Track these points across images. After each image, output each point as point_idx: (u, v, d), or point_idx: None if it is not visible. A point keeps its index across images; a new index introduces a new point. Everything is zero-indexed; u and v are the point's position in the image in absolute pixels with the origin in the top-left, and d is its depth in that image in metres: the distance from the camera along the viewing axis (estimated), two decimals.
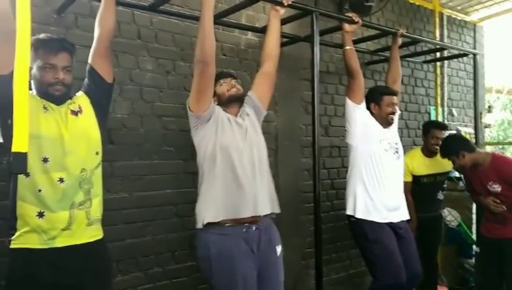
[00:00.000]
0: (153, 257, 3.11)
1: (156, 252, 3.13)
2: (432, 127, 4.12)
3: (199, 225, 2.48)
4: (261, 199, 2.53)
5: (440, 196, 4.13)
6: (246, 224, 2.46)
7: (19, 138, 1.59)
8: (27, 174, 1.93)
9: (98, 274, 2.15)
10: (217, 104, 2.61)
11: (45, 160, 1.99)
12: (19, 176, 1.97)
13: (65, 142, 2.05)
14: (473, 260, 4.18)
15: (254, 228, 2.49)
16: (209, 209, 2.45)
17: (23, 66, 1.61)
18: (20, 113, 1.60)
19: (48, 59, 2.06)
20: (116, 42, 2.89)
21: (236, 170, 2.46)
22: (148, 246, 3.09)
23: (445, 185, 4.20)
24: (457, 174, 4.40)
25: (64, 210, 2.01)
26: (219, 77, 2.65)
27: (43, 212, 1.97)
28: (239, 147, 2.51)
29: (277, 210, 2.64)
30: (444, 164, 3.94)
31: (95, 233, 2.16)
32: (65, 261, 2.01)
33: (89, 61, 2.24)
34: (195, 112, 2.50)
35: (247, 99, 2.75)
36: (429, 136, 4.05)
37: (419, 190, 4.00)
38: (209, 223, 2.42)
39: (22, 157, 1.61)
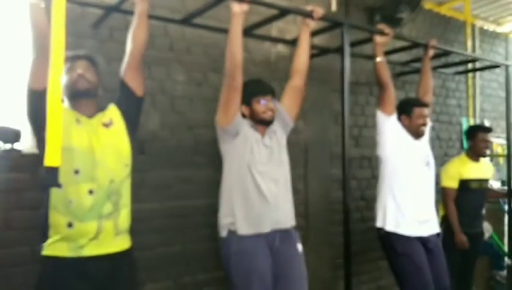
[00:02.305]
0: (183, 267, 3.15)
1: (185, 261, 3.16)
2: (479, 130, 4.07)
3: (223, 234, 2.62)
4: (282, 215, 2.64)
5: (483, 210, 4.05)
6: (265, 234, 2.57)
7: (52, 152, 1.65)
8: (59, 186, 1.96)
9: (124, 282, 2.18)
10: (249, 115, 2.67)
11: (76, 172, 2.03)
12: None
13: (95, 154, 2.09)
14: (505, 272, 4.10)
15: (273, 236, 2.59)
16: (232, 221, 2.56)
17: (56, 81, 1.67)
18: (53, 128, 1.66)
19: (70, 65, 2.13)
20: (148, 55, 2.94)
21: (260, 188, 2.55)
22: (178, 255, 3.12)
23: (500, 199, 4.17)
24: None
25: (92, 220, 2.04)
26: (258, 90, 2.68)
27: (72, 222, 2.01)
28: (264, 167, 2.59)
29: (293, 223, 2.74)
30: (487, 170, 3.92)
31: (123, 242, 2.18)
32: (92, 269, 2.04)
33: (121, 74, 2.28)
34: (221, 126, 2.58)
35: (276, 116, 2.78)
36: (477, 140, 4.00)
37: (466, 200, 3.92)
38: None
39: (54, 171, 1.67)
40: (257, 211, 2.54)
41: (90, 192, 2.05)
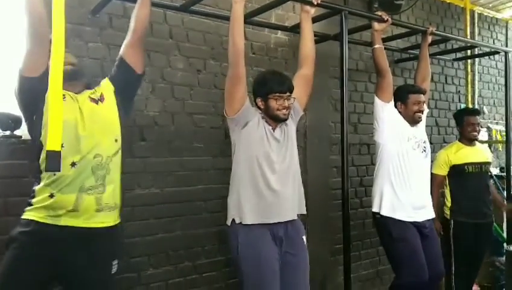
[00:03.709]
0: (183, 252, 3.17)
1: (186, 246, 3.19)
2: (464, 114, 4.05)
3: (228, 222, 2.60)
4: (290, 206, 2.63)
5: (489, 195, 4.00)
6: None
7: (53, 137, 1.65)
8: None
9: (98, 261, 2.15)
10: (263, 109, 2.62)
11: (61, 145, 1.98)
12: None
13: (79, 127, 2.07)
14: (504, 258, 4.13)
15: (279, 227, 2.58)
16: (240, 211, 2.55)
17: (57, 68, 1.67)
18: (55, 113, 1.66)
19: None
20: (148, 42, 2.94)
21: (268, 179, 2.54)
22: (178, 241, 3.15)
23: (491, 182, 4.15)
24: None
25: (71, 193, 2.03)
26: (278, 87, 2.59)
27: (54, 193, 2.02)
28: (273, 159, 2.57)
29: (303, 211, 2.73)
30: (486, 153, 3.92)
31: (105, 219, 2.14)
32: (65, 239, 2.04)
33: (120, 53, 2.28)
34: (229, 115, 2.56)
35: None
36: (464, 125, 3.98)
37: (465, 185, 3.91)
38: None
39: (56, 155, 1.68)
40: (264, 203, 2.53)
41: (73, 164, 2.03)
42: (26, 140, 2.61)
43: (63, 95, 2.06)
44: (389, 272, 4.37)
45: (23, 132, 2.66)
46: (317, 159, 3.93)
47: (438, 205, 3.88)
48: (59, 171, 1.80)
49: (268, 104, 2.60)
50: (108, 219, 2.16)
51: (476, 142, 4.06)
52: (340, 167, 3.02)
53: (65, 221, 2.04)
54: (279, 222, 2.57)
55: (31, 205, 2.07)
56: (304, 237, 2.71)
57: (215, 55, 3.32)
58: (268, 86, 2.59)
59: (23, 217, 2.07)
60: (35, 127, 2.07)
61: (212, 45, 3.32)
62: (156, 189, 3.06)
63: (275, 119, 2.62)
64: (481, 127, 4.07)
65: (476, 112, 4.08)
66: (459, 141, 4.06)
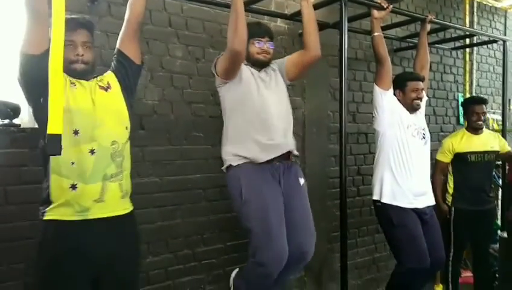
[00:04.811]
0: (182, 240, 3.19)
1: (185, 234, 3.20)
2: (470, 103, 4.07)
3: (226, 165, 2.70)
4: (288, 139, 2.73)
5: (490, 186, 4.04)
6: (271, 161, 2.64)
7: (54, 120, 1.63)
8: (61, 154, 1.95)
9: (130, 245, 2.20)
10: (245, 57, 2.69)
11: (76, 132, 2.00)
12: None
13: (95, 114, 2.07)
14: (497, 245, 4.16)
15: (277, 163, 2.66)
16: (237, 153, 2.64)
17: (58, 48, 1.64)
18: (55, 95, 1.64)
19: (68, 36, 1.99)
20: (147, 29, 2.95)
21: (260, 114, 2.62)
22: (177, 229, 3.16)
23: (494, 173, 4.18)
24: None
25: (97, 182, 2.02)
26: (255, 31, 2.71)
27: (76, 184, 1.99)
28: (262, 95, 2.66)
29: (296, 152, 2.81)
30: (491, 142, 3.93)
31: (128, 206, 2.19)
32: (97, 233, 2.03)
33: (117, 45, 2.28)
34: (221, 78, 2.66)
35: (279, 60, 2.87)
36: (469, 113, 4.00)
37: (467, 173, 3.94)
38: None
39: (57, 139, 1.65)
40: (262, 138, 2.62)
41: (92, 151, 2.02)
42: (25, 128, 2.61)
43: (73, 82, 2.09)
44: (384, 259, 4.44)
45: (22, 120, 2.66)
46: (316, 148, 3.94)
47: (440, 190, 3.95)
48: (59, 154, 1.76)
49: (248, 50, 2.70)
50: (128, 205, 2.21)
51: (485, 131, 4.07)
52: (338, 156, 3.04)
53: (93, 214, 2.03)
54: (277, 162, 2.65)
55: (50, 202, 2.02)
56: (302, 180, 2.79)
57: (214, 44, 3.31)
58: (248, 32, 2.60)
59: (45, 218, 2.02)
60: (43, 110, 1.93)
61: (212, 33, 3.31)
62: (155, 177, 3.07)
63: (257, 64, 2.73)
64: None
65: (481, 101, 4.06)
66: (466, 129, 4.08)
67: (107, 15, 2.89)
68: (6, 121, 2.60)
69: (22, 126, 2.63)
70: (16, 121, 2.63)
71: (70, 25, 2.08)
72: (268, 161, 2.62)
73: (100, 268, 2.07)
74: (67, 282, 2.00)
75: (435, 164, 4.01)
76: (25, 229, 2.55)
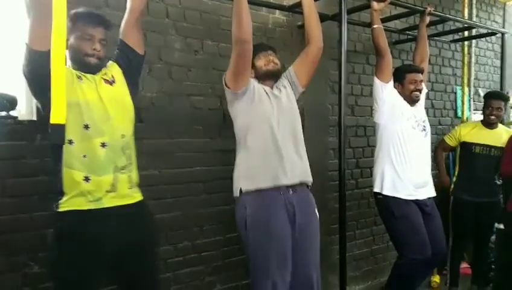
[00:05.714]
0: (181, 232, 3.19)
1: (184, 227, 3.20)
2: (488, 96, 4.04)
3: (236, 194, 2.58)
4: (299, 167, 2.62)
5: (496, 179, 3.99)
6: (284, 188, 2.53)
7: (57, 110, 1.64)
8: (71, 142, 1.99)
9: (145, 231, 2.25)
10: (254, 76, 2.66)
11: (86, 127, 2.04)
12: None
13: (103, 108, 2.10)
14: (494, 237, 4.18)
15: (291, 192, 2.56)
16: (247, 178, 2.54)
17: (59, 40, 1.65)
18: (58, 85, 1.64)
19: (87, 30, 2.11)
20: (144, 21, 2.92)
21: (275, 139, 2.53)
22: (177, 222, 3.16)
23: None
24: None
25: (108, 174, 2.08)
26: (258, 49, 2.67)
27: (89, 176, 2.03)
28: (276, 117, 2.57)
29: (310, 180, 2.72)
30: (503, 139, 3.90)
31: (137, 195, 2.25)
32: (112, 220, 2.08)
33: (120, 36, 2.28)
34: (232, 90, 2.57)
35: (285, 73, 2.80)
36: (485, 106, 3.99)
37: (470, 164, 3.96)
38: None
39: (60, 128, 1.67)
40: (274, 164, 2.52)
41: (103, 145, 2.07)
42: (22, 121, 2.60)
43: (80, 76, 2.11)
44: (382, 251, 4.46)
45: (19, 112, 2.65)
46: (315, 141, 3.92)
47: (442, 164, 4.10)
48: (62, 143, 1.81)
49: (256, 66, 2.68)
50: (137, 194, 2.25)
51: (500, 127, 4.04)
52: (337, 148, 3.03)
53: (107, 203, 2.08)
54: (290, 190, 2.55)
55: (64, 193, 2.05)
56: (317, 212, 2.72)
57: (212, 36, 3.29)
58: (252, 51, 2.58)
59: (60, 210, 2.05)
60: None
61: (210, 25, 3.29)
62: (154, 170, 3.06)
63: (267, 76, 2.68)
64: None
65: (499, 96, 4.01)
66: (481, 121, 4.07)
67: (104, 6, 2.86)
68: (4, 113, 2.59)
69: (19, 118, 2.61)
70: (13, 113, 2.61)
71: (93, 20, 2.15)
72: (280, 189, 2.53)
73: (119, 254, 2.11)
74: (89, 270, 2.05)
75: (440, 141, 4.14)
76: (24, 222, 2.56)
